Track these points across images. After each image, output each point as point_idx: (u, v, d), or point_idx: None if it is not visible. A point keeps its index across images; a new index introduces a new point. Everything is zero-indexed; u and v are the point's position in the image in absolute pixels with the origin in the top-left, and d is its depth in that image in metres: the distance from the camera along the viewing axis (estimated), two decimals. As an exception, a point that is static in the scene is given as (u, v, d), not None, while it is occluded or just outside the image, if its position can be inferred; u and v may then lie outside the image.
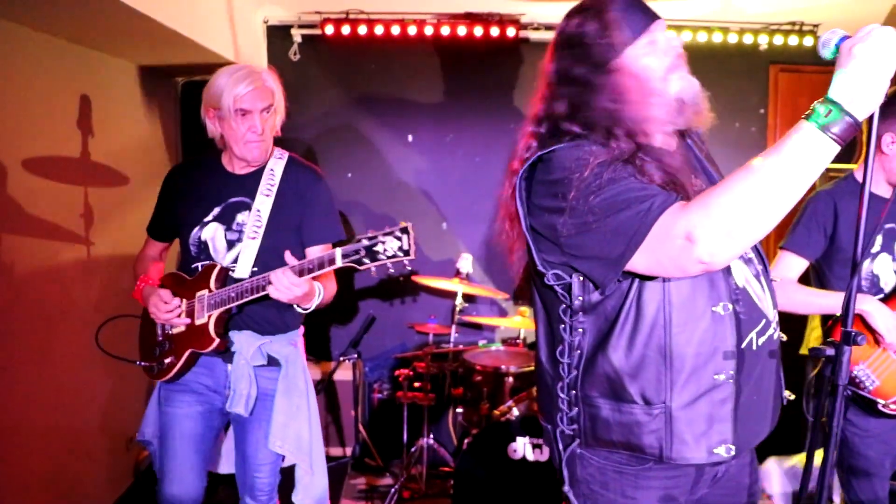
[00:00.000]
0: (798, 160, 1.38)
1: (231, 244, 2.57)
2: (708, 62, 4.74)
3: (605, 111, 1.67)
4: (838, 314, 2.58)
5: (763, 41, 4.74)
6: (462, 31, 4.52)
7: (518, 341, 4.54)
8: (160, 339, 2.66)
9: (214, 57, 3.98)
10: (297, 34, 4.75)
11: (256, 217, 2.55)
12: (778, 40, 4.72)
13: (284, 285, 2.31)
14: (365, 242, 2.22)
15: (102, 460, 3.96)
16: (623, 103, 1.67)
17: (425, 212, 4.95)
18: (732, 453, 1.66)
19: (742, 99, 4.97)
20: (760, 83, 5.00)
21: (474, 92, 4.86)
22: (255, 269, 2.53)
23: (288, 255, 2.36)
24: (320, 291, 2.49)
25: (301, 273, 2.32)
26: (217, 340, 2.47)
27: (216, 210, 2.58)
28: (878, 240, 2.69)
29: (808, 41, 4.68)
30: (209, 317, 2.49)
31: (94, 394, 3.89)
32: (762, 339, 1.71)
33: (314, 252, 2.56)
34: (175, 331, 2.60)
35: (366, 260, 2.22)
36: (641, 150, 1.64)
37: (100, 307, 3.87)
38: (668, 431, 1.65)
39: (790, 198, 1.40)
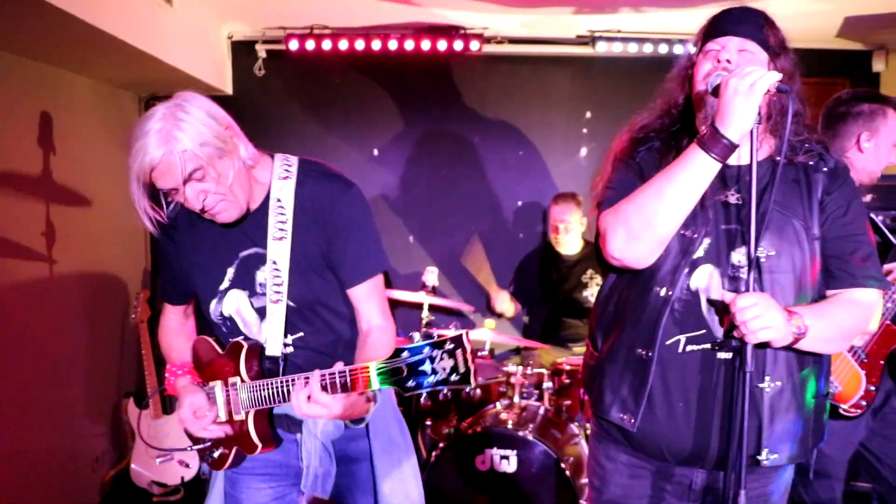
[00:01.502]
0: (686, 175, 1.68)
1: (263, 312, 1.95)
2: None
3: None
4: None
5: (722, 53, 4.81)
6: (426, 45, 4.54)
7: (485, 353, 4.56)
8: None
9: (178, 73, 3.97)
10: (261, 49, 4.76)
11: (274, 272, 1.91)
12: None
13: (302, 410, 1.72)
14: (407, 358, 1.59)
15: (68, 481, 3.91)
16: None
17: (391, 225, 4.96)
18: (633, 427, 1.82)
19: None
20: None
21: (439, 106, 4.89)
22: (289, 342, 1.97)
23: (314, 377, 1.72)
24: (374, 399, 1.84)
25: (325, 389, 1.71)
26: (260, 446, 1.95)
27: (230, 273, 1.97)
28: None
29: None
30: (247, 414, 1.94)
31: (57, 414, 3.85)
32: (693, 347, 1.77)
33: (358, 298, 1.98)
34: (225, 427, 2.01)
35: (410, 384, 1.59)
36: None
37: (62, 328, 3.83)
38: (598, 380, 1.92)
39: (682, 206, 1.70)
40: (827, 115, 2.83)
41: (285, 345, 1.94)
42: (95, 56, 3.55)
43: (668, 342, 1.77)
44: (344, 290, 1.98)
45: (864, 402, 2.67)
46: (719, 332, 1.76)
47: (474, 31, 4.58)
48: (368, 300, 1.98)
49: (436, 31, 4.57)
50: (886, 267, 2.77)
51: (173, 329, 2.22)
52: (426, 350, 1.57)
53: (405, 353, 1.59)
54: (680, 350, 1.77)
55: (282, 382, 1.83)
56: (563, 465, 3.28)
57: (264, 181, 1.94)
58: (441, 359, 1.55)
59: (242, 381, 1.93)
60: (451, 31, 4.56)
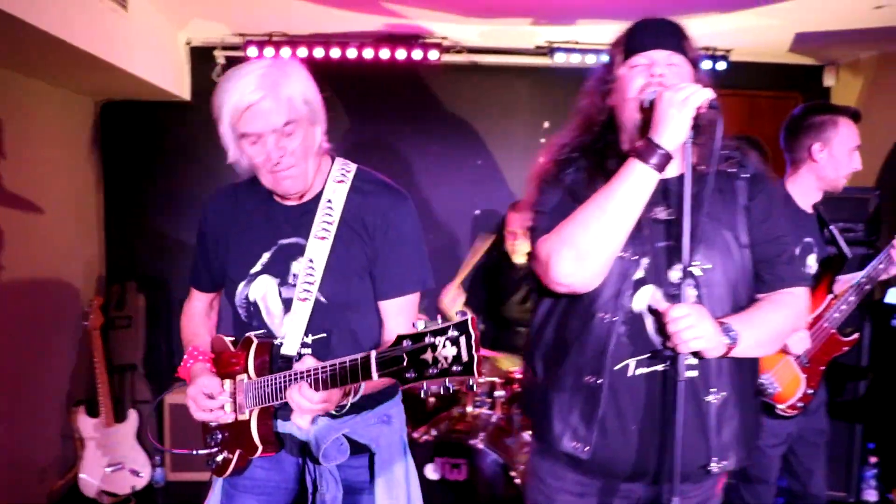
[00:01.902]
0: (626, 189, 1.68)
1: (289, 305, 1.89)
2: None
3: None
4: None
5: (678, 66, 4.88)
6: (385, 53, 4.56)
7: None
8: (213, 426, 2.02)
9: (134, 79, 3.94)
10: (220, 56, 4.73)
11: (308, 269, 1.86)
12: (692, 65, 4.87)
13: (301, 407, 1.70)
14: (407, 346, 1.48)
15: (13, 491, 3.84)
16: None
17: (351, 233, 4.93)
18: (586, 455, 1.77)
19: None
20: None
21: (398, 114, 4.90)
22: (308, 342, 1.89)
23: (305, 360, 1.72)
24: (358, 388, 1.79)
25: (316, 387, 1.67)
26: (260, 448, 1.89)
27: (265, 257, 1.92)
28: (797, 249, 2.77)
29: (721, 65, 4.85)
30: (251, 413, 1.89)
31: (4, 423, 3.77)
32: (643, 370, 1.76)
33: (388, 311, 1.93)
34: (225, 419, 1.97)
35: (410, 374, 1.48)
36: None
37: (12, 334, 3.77)
38: (543, 409, 1.85)
39: (626, 221, 1.69)
40: (784, 132, 2.91)
41: (304, 344, 1.88)
42: (48, 60, 3.50)
43: (617, 367, 1.75)
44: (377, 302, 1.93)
45: (800, 404, 2.75)
46: (668, 352, 1.75)
47: (433, 41, 4.61)
48: (398, 316, 1.93)
49: (395, 39, 4.59)
50: (843, 278, 2.86)
51: (198, 316, 2.18)
52: (427, 338, 1.46)
53: (406, 342, 1.49)
54: (630, 374, 1.76)
55: (285, 377, 1.76)
56: (513, 474, 3.29)
57: (321, 179, 1.93)
58: (444, 346, 1.43)
59: (249, 377, 1.89)
60: (410, 41, 4.58)
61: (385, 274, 1.90)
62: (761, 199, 1.83)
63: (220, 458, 1.99)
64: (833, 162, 2.77)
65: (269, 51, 4.50)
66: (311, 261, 1.86)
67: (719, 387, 1.78)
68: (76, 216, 4.57)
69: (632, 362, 1.75)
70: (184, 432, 4.40)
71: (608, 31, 4.46)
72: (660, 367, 1.76)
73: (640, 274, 1.75)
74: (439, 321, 1.46)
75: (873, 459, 4.21)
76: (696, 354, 1.70)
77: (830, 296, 2.82)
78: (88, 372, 4.38)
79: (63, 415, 4.35)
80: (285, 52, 4.50)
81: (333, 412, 1.81)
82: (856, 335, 2.89)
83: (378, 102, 4.91)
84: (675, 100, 1.63)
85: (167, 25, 4.41)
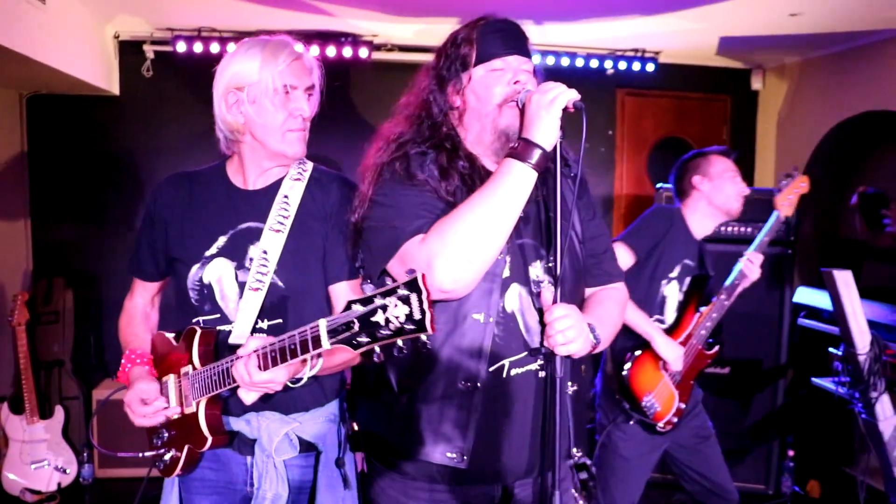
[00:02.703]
0: (508, 187, 1.65)
1: (244, 288, 1.90)
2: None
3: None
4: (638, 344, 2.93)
5: (609, 66, 4.96)
6: (315, 51, 4.56)
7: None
8: (158, 425, 2.00)
9: (57, 73, 3.89)
10: (149, 50, 4.69)
11: (262, 260, 1.88)
12: (622, 65, 4.96)
13: (248, 383, 1.68)
14: (358, 310, 1.45)
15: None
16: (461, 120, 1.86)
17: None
18: (464, 465, 1.74)
19: (591, 121, 5.16)
20: (608, 106, 5.24)
21: (328, 112, 4.88)
22: (264, 327, 1.90)
23: (252, 341, 1.68)
24: (314, 363, 1.78)
25: (266, 364, 1.65)
26: (210, 439, 1.85)
27: (222, 240, 1.93)
28: (677, 269, 2.99)
29: (650, 67, 4.93)
30: (197, 405, 1.86)
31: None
32: (518, 371, 1.77)
33: (338, 294, 1.93)
34: (172, 416, 1.95)
35: (362, 338, 1.45)
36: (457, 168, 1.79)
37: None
38: (408, 423, 1.78)
39: (508, 220, 1.66)
40: (673, 177, 3.16)
41: (259, 330, 1.87)
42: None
43: (493, 369, 1.74)
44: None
45: (674, 419, 2.94)
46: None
47: (364, 38, 4.62)
48: (346, 299, 1.94)
49: (326, 37, 4.59)
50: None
51: (138, 316, 2.15)
52: (377, 299, 1.42)
53: (356, 306, 1.45)
54: (504, 375, 1.76)
55: (230, 361, 1.74)
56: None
57: (280, 172, 1.99)
58: (395, 306, 1.40)
59: (195, 368, 1.87)
60: (340, 38, 4.59)
61: (333, 259, 1.92)
62: (587, 197, 1.94)
63: (167, 456, 1.97)
64: (716, 188, 2.99)
65: (197, 46, 4.48)
66: (265, 252, 1.89)
67: (572, 379, 1.84)
68: (3, 210, 4.51)
69: (507, 363, 1.75)
70: (112, 428, 4.36)
71: (539, 32, 4.52)
72: (533, 367, 1.78)
73: (506, 273, 1.76)
74: (388, 283, 1.44)
75: (791, 453, 4.33)
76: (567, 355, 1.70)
77: (697, 314, 2.98)
78: (14, 368, 4.33)
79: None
80: (214, 47, 4.48)
81: (290, 384, 1.76)
82: (716, 348, 3.05)
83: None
84: (543, 101, 1.65)
85: (92, 19, 4.35)
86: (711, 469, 3.09)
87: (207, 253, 1.93)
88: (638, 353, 2.90)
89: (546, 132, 1.65)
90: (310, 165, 2.03)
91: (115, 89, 4.72)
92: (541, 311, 1.74)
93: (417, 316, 1.38)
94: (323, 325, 1.51)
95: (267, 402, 1.87)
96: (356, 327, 1.45)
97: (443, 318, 1.72)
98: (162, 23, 4.51)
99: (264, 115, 1.86)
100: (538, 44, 4.72)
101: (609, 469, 2.99)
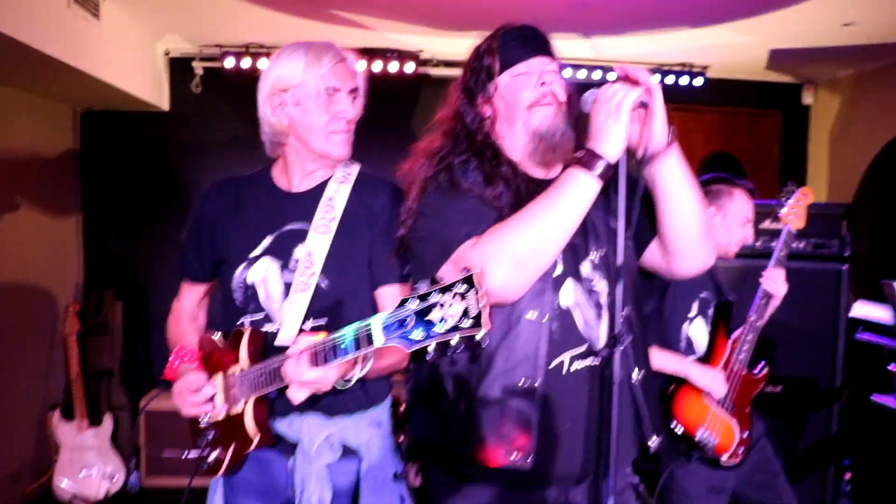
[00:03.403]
0: (570, 198, 1.65)
1: (290, 289, 1.90)
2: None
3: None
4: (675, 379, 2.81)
5: (656, 80, 4.89)
6: (361, 65, 4.58)
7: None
8: (204, 425, 2.00)
9: (110, 88, 4.00)
10: (198, 66, 4.79)
11: (307, 262, 1.89)
12: (670, 80, 4.90)
13: (298, 381, 1.66)
14: (413, 307, 1.43)
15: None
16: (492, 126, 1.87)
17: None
18: (528, 465, 1.72)
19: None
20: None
21: (375, 127, 4.87)
22: (307, 329, 1.88)
23: (302, 339, 1.68)
24: (362, 367, 1.74)
25: (317, 362, 1.63)
26: (256, 439, 1.85)
27: (267, 241, 1.94)
28: (695, 306, 2.88)
29: (698, 81, 4.87)
30: (244, 404, 1.86)
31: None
32: (578, 365, 1.76)
33: (385, 298, 1.92)
34: (217, 416, 1.95)
35: (417, 336, 1.44)
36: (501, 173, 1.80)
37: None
38: (468, 428, 1.75)
39: (567, 230, 1.66)
40: None
41: (303, 331, 1.86)
42: (19, 67, 3.54)
43: (552, 365, 1.74)
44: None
45: (741, 450, 2.79)
46: (600, 344, 1.77)
47: (409, 53, 4.65)
48: (392, 304, 1.94)
49: (371, 52, 4.62)
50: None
51: (185, 316, 2.18)
52: (433, 296, 1.41)
53: (411, 302, 1.44)
54: (564, 371, 1.75)
55: (277, 360, 1.73)
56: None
57: (324, 175, 2.00)
58: (451, 304, 1.39)
59: (242, 368, 1.87)
60: (385, 53, 4.62)
61: (380, 262, 1.92)
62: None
63: (212, 457, 1.97)
64: (726, 228, 2.89)
65: (245, 61, 4.55)
66: (310, 253, 1.89)
67: (638, 364, 1.81)
68: (55, 223, 4.63)
69: (566, 357, 1.74)
70: (159, 439, 4.42)
71: (585, 46, 4.49)
72: (594, 362, 1.77)
73: (558, 271, 1.75)
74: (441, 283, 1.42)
75: (847, 476, 4.18)
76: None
77: (731, 340, 2.88)
78: (65, 377, 4.42)
79: (38, 418, 4.39)
80: (262, 63, 4.55)
81: (338, 386, 1.74)
82: (766, 370, 2.95)
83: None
84: (610, 108, 1.63)
85: (143, 36, 4.46)
86: (783, 498, 2.96)
87: (252, 254, 1.94)
88: (672, 388, 2.80)
89: (613, 142, 1.63)
90: (355, 168, 2.03)
91: (165, 105, 4.82)
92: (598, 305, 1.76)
93: (474, 312, 1.37)
94: (377, 321, 1.49)
95: (310, 403, 1.84)
96: (410, 324, 1.43)
97: (497, 320, 1.71)
98: (211, 40, 4.60)
99: (308, 117, 1.89)
100: (585, 59, 4.76)
101: None
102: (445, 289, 1.40)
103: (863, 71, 4.83)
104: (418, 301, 1.43)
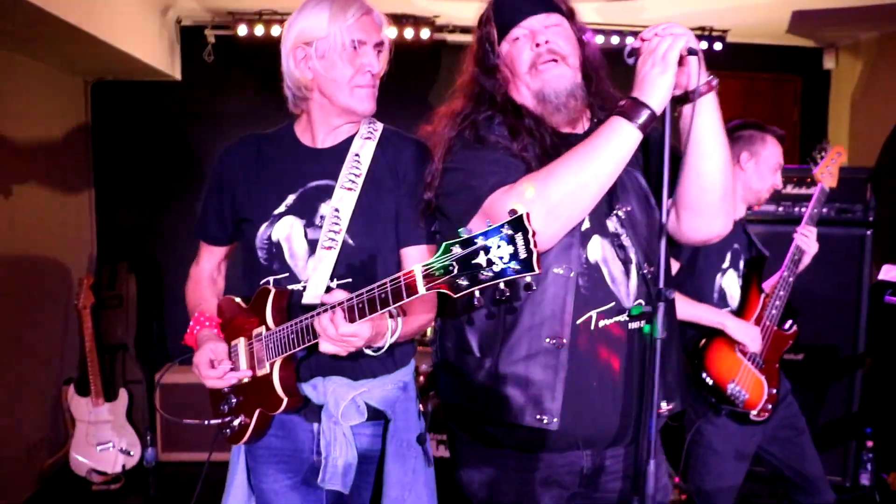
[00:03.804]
0: (610, 147, 1.60)
1: (314, 246, 1.86)
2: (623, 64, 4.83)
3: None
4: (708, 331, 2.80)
5: (675, 46, 4.82)
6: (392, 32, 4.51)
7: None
8: (226, 391, 1.98)
9: (124, 56, 3.92)
10: (210, 35, 4.71)
11: (334, 218, 1.85)
12: (689, 45, 4.80)
13: (332, 335, 1.62)
14: (457, 252, 1.37)
15: (1, 471, 3.83)
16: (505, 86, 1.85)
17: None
18: (555, 426, 1.68)
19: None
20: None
21: (391, 94, 4.81)
22: (333, 287, 1.84)
23: (336, 293, 1.65)
24: (394, 330, 1.74)
25: (353, 317, 1.59)
26: (285, 400, 1.82)
27: (291, 198, 1.90)
28: (728, 257, 2.87)
29: (718, 46, 4.79)
30: (272, 365, 1.83)
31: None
32: (606, 322, 1.71)
33: (411, 258, 1.88)
34: (241, 381, 1.93)
35: (462, 281, 1.38)
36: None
37: (-3, 310, 3.77)
38: (494, 387, 1.72)
39: (606, 180, 1.61)
40: None
41: (329, 289, 1.81)
42: (32, 32, 3.47)
43: (579, 321, 1.69)
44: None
45: (769, 406, 2.80)
46: (628, 301, 1.73)
47: (425, 19, 4.57)
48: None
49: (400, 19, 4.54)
50: (769, 282, 2.95)
51: (205, 280, 2.13)
52: (479, 240, 1.34)
53: (456, 248, 1.37)
54: (592, 327, 1.70)
55: (308, 317, 1.69)
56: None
57: (349, 130, 1.95)
58: (497, 247, 1.32)
59: (268, 328, 1.83)
60: (401, 19, 4.54)
61: (408, 221, 1.88)
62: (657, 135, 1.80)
63: (236, 422, 1.93)
64: (759, 174, 2.88)
65: (259, 29, 4.48)
66: (336, 210, 1.85)
67: (664, 324, 1.76)
68: (67, 195, 4.57)
69: (594, 314, 1.70)
70: (175, 412, 4.39)
71: (601, 10, 4.43)
72: (622, 318, 1.73)
73: (585, 225, 1.72)
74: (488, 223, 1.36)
75: (870, 444, 4.15)
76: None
77: (763, 294, 2.89)
78: (79, 351, 4.39)
79: (53, 393, 4.36)
80: (275, 30, 4.47)
81: (371, 352, 1.74)
82: (794, 327, 2.96)
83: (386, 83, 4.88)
84: (656, 57, 1.58)
85: (157, 3, 4.38)
86: (806, 465, 2.95)
87: (276, 211, 1.90)
88: (703, 341, 2.79)
89: (658, 92, 1.58)
90: (380, 125, 1.99)
91: (177, 74, 4.74)
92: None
93: (523, 255, 1.31)
94: (419, 269, 1.44)
95: (335, 367, 1.85)
96: (455, 270, 1.37)
97: None
98: (223, 6, 4.52)
99: (333, 70, 1.83)
100: (601, 23, 4.68)
101: (703, 466, 2.83)
102: (491, 232, 1.34)
103: (886, 33, 4.74)
104: (461, 246, 1.37)
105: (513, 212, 1.32)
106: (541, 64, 1.75)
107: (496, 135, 1.75)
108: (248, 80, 4.81)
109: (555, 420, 1.68)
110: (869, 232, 4.14)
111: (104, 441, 4.27)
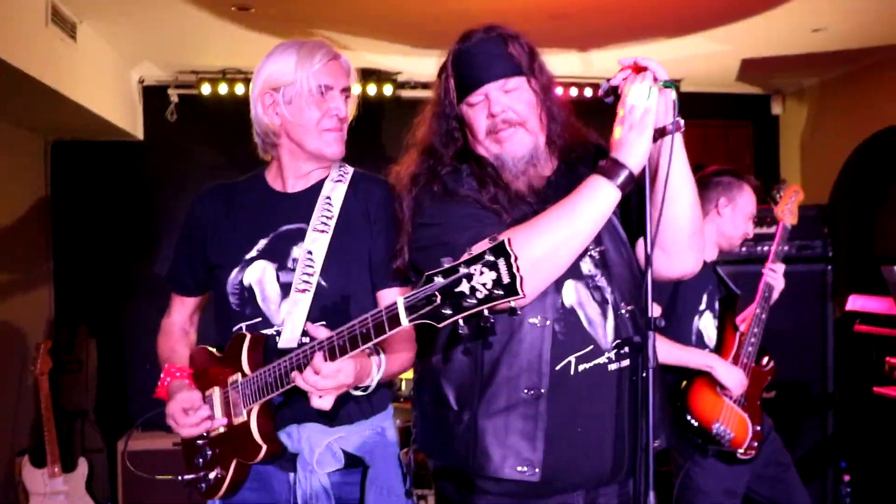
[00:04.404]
0: (591, 206, 1.60)
1: (287, 290, 1.83)
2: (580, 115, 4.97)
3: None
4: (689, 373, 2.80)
5: (629, 97, 4.98)
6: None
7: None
8: (201, 443, 1.91)
9: (85, 113, 3.90)
10: (173, 94, 4.73)
11: (307, 261, 1.82)
12: (643, 96, 4.96)
13: (311, 381, 1.57)
14: (439, 282, 1.34)
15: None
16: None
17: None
18: (536, 477, 1.64)
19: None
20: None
21: (354, 148, 4.89)
22: (306, 333, 1.79)
23: (312, 328, 1.65)
24: (379, 366, 1.71)
25: (333, 354, 1.56)
26: (264, 447, 1.76)
27: (262, 243, 1.87)
28: (704, 299, 2.90)
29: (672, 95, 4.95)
30: (249, 413, 1.78)
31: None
32: (585, 366, 1.69)
33: (387, 299, 1.80)
34: (216, 432, 1.87)
35: (446, 311, 1.35)
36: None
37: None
38: (473, 440, 1.68)
39: (586, 238, 1.62)
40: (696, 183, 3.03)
41: (305, 333, 1.77)
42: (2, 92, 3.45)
43: (558, 367, 1.67)
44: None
45: (755, 443, 2.79)
46: (606, 343, 1.71)
47: (388, 76, 4.66)
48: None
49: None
50: (742, 315, 2.99)
51: (176, 333, 2.08)
52: (461, 269, 1.31)
53: (437, 278, 1.33)
54: (572, 372, 1.68)
55: (291, 360, 1.64)
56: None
57: (320, 174, 1.93)
58: (481, 273, 1.29)
59: (244, 375, 1.78)
60: (365, 76, 4.62)
61: (381, 263, 1.85)
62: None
63: (211, 475, 1.86)
64: (734, 221, 2.94)
65: (222, 87, 4.51)
66: (309, 252, 1.82)
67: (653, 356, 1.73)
68: (25, 257, 4.46)
69: (572, 359, 1.68)
70: (138, 482, 4.21)
71: (567, 63, 4.54)
72: (601, 360, 1.70)
73: None
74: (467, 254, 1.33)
75: (846, 478, 4.16)
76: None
77: (738, 332, 2.92)
78: (35, 419, 4.20)
79: (6, 465, 4.14)
80: (239, 88, 4.51)
81: (360, 392, 1.70)
82: (771, 363, 3.00)
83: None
84: (633, 120, 1.59)
85: (118, 62, 4.39)
86: (795, 499, 2.95)
87: (247, 256, 1.87)
88: (685, 383, 2.79)
89: (637, 153, 1.58)
90: (350, 169, 1.97)
91: (139, 134, 4.73)
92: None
93: (507, 280, 1.28)
94: (401, 301, 1.40)
95: (310, 414, 1.75)
96: (437, 300, 1.33)
97: (499, 327, 1.65)
98: (186, 66, 4.55)
99: (300, 116, 1.82)
100: (570, 76, 4.80)
101: None
102: (473, 260, 1.30)
103: (828, 79, 5.00)
104: (443, 276, 1.33)
105: (493, 238, 1.30)
106: (499, 132, 1.73)
107: (465, 187, 1.74)
108: (211, 139, 4.81)
109: (536, 471, 1.65)
110: (829, 267, 4.25)
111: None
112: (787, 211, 3.11)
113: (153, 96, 4.78)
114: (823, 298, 4.25)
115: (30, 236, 4.55)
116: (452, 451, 1.74)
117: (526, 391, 1.65)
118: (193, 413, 1.82)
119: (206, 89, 4.53)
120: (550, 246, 1.57)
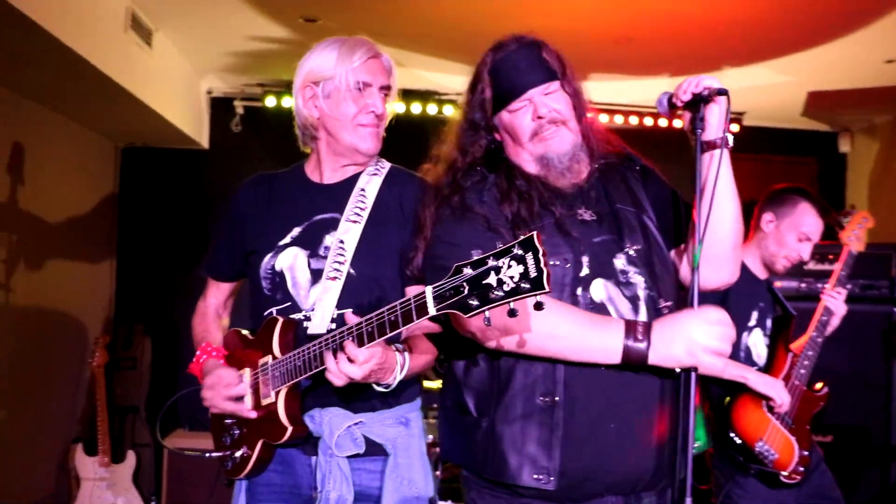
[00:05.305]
0: (594, 344, 1.59)
1: (317, 276, 1.89)
2: (638, 144, 4.92)
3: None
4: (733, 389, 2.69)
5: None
6: (400, 107, 4.66)
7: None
8: (229, 422, 1.96)
9: (157, 118, 4.06)
10: (239, 106, 4.89)
11: (339, 250, 1.87)
12: (705, 126, 4.90)
13: (345, 369, 1.60)
14: (468, 272, 1.38)
15: None
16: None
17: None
18: (552, 485, 1.62)
19: (675, 180, 5.13)
20: (689, 169, 5.17)
21: (413, 167, 4.96)
22: (335, 317, 1.85)
23: (347, 314, 1.66)
24: (403, 365, 1.72)
25: (362, 341, 1.58)
26: (290, 429, 1.80)
27: (296, 230, 1.93)
28: (754, 316, 2.79)
29: (734, 127, 4.88)
30: (276, 394, 1.82)
31: (-5, 450, 3.72)
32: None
33: (414, 292, 1.79)
34: (246, 412, 1.92)
35: (473, 301, 1.38)
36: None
37: (14, 356, 3.76)
38: (491, 447, 1.67)
39: (579, 359, 1.61)
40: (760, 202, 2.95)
41: (334, 320, 1.83)
42: (71, 86, 3.60)
43: (586, 367, 1.63)
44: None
45: (801, 468, 2.66)
46: None
47: (448, 96, 4.72)
48: None
49: (410, 94, 4.70)
50: (795, 344, 2.85)
51: (210, 312, 2.15)
52: (490, 261, 1.35)
53: (466, 269, 1.37)
54: (602, 368, 1.63)
55: (319, 344, 1.68)
56: None
57: (358, 169, 1.98)
58: (508, 266, 1.33)
59: (275, 357, 1.83)
60: (426, 96, 4.70)
61: (411, 258, 1.87)
62: (654, 179, 1.87)
63: (238, 454, 1.91)
64: (777, 238, 2.80)
65: (286, 100, 4.63)
66: (341, 241, 1.87)
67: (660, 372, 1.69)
68: (90, 254, 4.64)
69: None
70: (181, 477, 4.30)
71: (616, 91, 4.48)
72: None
73: (584, 271, 1.68)
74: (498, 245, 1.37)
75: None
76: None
77: (790, 354, 2.79)
78: (90, 409, 4.33)
79: (61, 451, 4.28)
80: (304, 101, 4.62)
81: (382, 388, 1.72)
82: (825, 389, 2.86)
83: (393, 155, 4.95)
84: (694, 350, 1.55)
85: (189, 72, 4.57)
86: None
87: (281, 242, 1.92)
88: (728, 399, 2.69)
89: (667, 362, 1.57)
90: (387, 164, 2.03)
91: (204, 143, 4.89)
92: None
93: (534, 274, 1.30)
94: (429, 291, 1.43)
95: (335, 398, 1.82)
96: (465, 290, 1.37)
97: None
98: (252, 79, 4.70)
99: (337, 110, 1.88)
100: (615, 104, 4.78)
101: None
102: (502, 253, 1.34)
103: (901, 117, 4.84)
104: (471, 267, 1.37)
105: (524, 231, 1.35)
106: (544, 134, 1.75)
107: (485, 199, 1.75)
108: (273, 150, 4.91)
109: (551, 479, 1.62)
110: (895, 309, 4.08)
111: (108, 502, 4.16)
112: (854, 237, 2.96)
113: (219, 107, 4.95)
114: (888, 341, 4.07)
115: (96, 235, 4.73)
116: (472, 458, 1.74)
117: (541, 399, 1.64)
118: (231, 388, 1.87)
119: (270, 101, 4.66)
120: (544, 346, 1.59)
